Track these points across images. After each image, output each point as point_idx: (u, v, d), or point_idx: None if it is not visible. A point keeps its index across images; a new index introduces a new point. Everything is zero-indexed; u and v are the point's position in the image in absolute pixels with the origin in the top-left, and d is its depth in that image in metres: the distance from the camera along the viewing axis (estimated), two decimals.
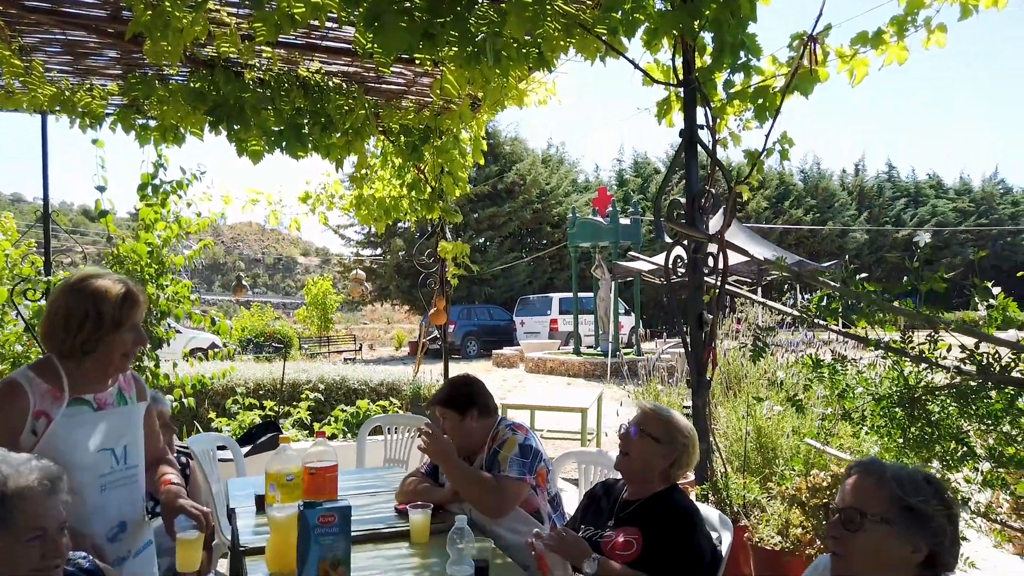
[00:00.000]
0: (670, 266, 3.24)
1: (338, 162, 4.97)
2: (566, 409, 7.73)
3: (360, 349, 25.09)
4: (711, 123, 3.11)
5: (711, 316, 3.19)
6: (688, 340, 3.25)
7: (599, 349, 17.96)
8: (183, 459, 3.74)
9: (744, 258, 13.28)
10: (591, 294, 19.17)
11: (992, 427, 2.14)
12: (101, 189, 5.28)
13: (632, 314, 19.78)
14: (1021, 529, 2.47)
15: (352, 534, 2.17)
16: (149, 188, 5.33)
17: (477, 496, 2.80)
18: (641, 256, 6.81)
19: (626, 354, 16.37)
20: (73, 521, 2.01)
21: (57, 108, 4.73)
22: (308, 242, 68.16)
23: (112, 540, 2.17)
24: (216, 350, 5.99)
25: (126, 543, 2.23)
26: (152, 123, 4.89)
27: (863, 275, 2.35)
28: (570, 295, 20.18)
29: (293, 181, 6.35)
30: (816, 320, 2.67)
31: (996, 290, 2.31)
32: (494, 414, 3.09)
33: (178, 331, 7.11)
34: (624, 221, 17.08)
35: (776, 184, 34.80)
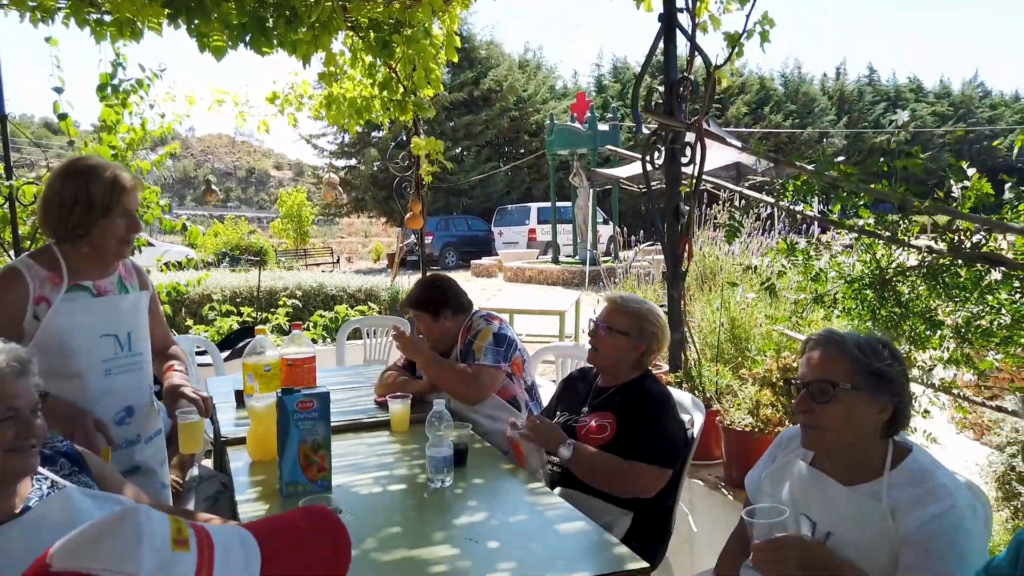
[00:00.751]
0: (648, 157, 3.19)
1: (305, 58, 4.78)
2: (544, 312, 7.81)
3: (338, 262, 24.99)
4: (691, 6, 3.00)
5: (687, 208, 3.17)
6: (664, 233, 3.25)
7: (577, 258, 18.02)
8: None
9: (721, 163, 13.09)
10: (569, 203, 19.07)
11: (960, 305, 2.18)
12: (58, 91, 5.06)
13: (610, 223, 19.76)
14: (982, 403, 2.57)
15: (333, 424, 2.20)
16: (109, 89, 5.12)
17: (453, 385, 2.84)
18: (620, 150, 6.68)
19: (605, 262, 16.44)
20: (79, 404, 2.09)
21: (5, 2, 4.47)
22: (280, 154, 66.56)
23: (119, 423, 2.23)
24: (190, 258, 5.93)
25: (134, 427, 2.29)
26: (107, 17, 4.64)
27: (840, 158, 2.33)
28: (548, 204, 20.05)
29: (260, 83, 6.09)
30: (791, 208, 2.66)
31: (971, 171, 2.31)
32: (468, 310, 3.10)
33: (151, 243, 6.99)
34: (603, 127, 16.82)
35: (756, 89, 34.31)
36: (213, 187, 8.07)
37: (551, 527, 1.91)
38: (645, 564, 1.68)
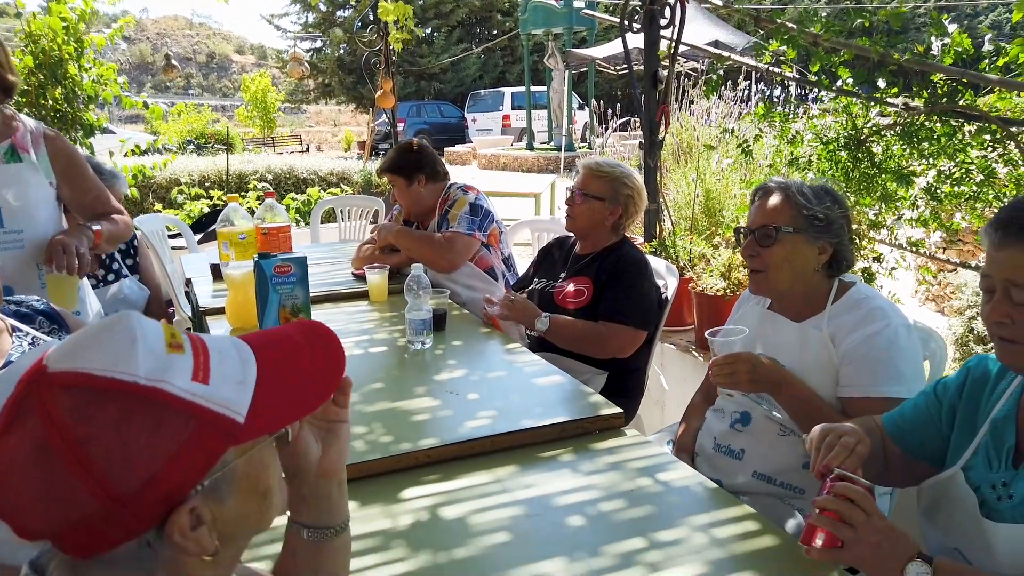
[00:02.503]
0: (626, 21, 3.09)
1: None
2: (519, 195, 7.77)
3: (307, 150, 24.36)
4: None
5: (665, 73, 3.11)
6: (641, 101, 3.19)
7: (553, 144, 17.76)
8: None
9: (701, 41, 12.80)
10: (544, 88, 18.59)
11: (932, 164, 2.20)
12: None
13: (586, 108, 19.37)
14: (947, 260, 2.65)
15: (311, 295, 2.20)
16: None
17: (427, 254, 2.83)
18: (596, 13, 6.38)
19: (581, 148, 16.23)
20: None
21: None
22: (241, 38, 63.43)
23: None
24: (154, 142, 5.74)
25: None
26: None
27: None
28: (522, 90, 19.55)
29: None
30: (772, 69, 2.62)
31: (952, 27, 2.28)
32: (444, 178, 3.08)
33: (111, 130, 6.73)
34: (579, 4, 16.18)
35: None
36: (173, 62, 7.63)
37: (529, 380, 1.97)
38: (619, 410, 1.76)
